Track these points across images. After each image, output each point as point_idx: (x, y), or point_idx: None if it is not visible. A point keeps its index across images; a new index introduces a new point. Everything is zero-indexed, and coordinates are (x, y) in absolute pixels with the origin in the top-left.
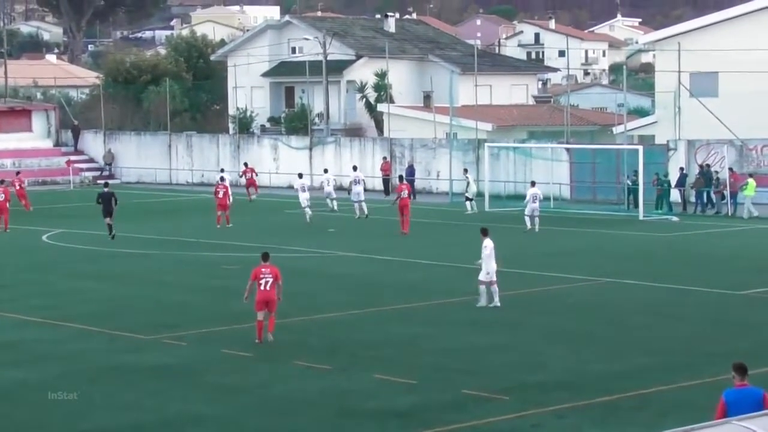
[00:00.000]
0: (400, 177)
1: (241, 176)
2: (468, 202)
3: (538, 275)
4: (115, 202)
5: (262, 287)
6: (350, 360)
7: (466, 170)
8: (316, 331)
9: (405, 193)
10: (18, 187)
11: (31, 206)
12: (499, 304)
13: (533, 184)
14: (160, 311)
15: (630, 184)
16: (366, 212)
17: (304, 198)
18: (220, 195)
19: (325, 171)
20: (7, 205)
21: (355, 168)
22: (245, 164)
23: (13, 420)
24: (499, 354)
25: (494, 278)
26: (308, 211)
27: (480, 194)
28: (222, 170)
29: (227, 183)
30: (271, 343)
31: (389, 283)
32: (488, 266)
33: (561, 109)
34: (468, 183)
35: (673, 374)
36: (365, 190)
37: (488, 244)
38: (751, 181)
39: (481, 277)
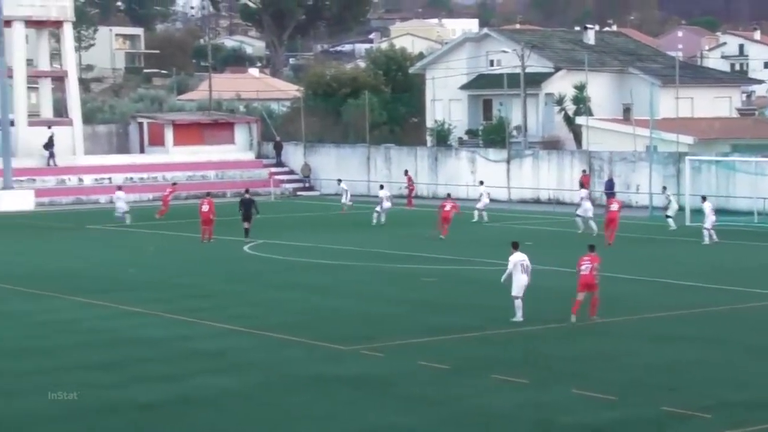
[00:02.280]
0: (609, 190)
1: (407, 186)
2: (670, 219)
3: (740, 291)
4: (255, 210)
5: (583, 271)
6: (548, 374)
7: (665, 188)
8: (513, 344)
9: (615, 207)
10: (166, 192)
11: (162, 215)
12: (520, 319)
13: (704, 198)
14: (358, 322)
15: None
16: (595, 229)
17: (385, 207)
18: (447, 208)
19: (481, 183)
20: (211, 216)
21: (582, 185)
22: (405, 172)
23: (215, 427)
24: (701, 370)
25: (519, 294)
26: (376, 215)
27: (681, 208)
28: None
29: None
30: (466, 359)
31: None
32: (516, 281)
33: (766, 121)
34: (669, 201)
35: None
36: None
37: (512, 258)
38: None
39: (512, 291)
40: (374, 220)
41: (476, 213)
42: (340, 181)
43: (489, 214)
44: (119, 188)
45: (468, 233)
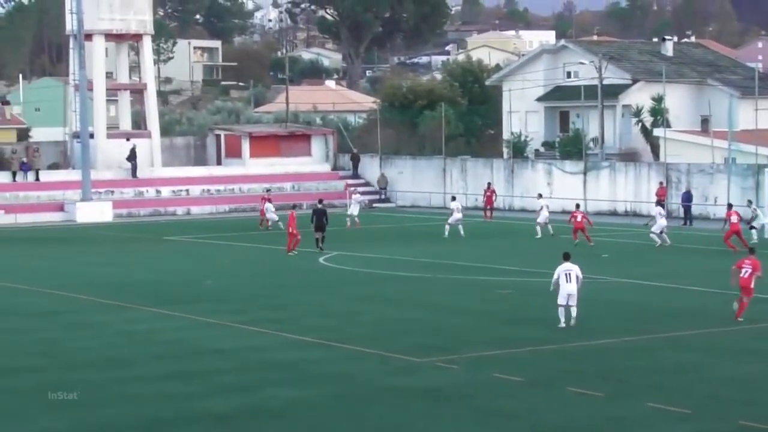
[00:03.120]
0: (729, 205)
1: (484, 196)
2: (753, 231)
3: None
4: (326, 219)
5: (742, 274)
6: (623, 387)
7: (750, 201)
8: (588, 357)
9: (735, 218)
10: (261, 204)
11: (268, 225)
12: (572, 324)
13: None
14: (432, 334)
15: None
16: (669, 242)
17: (455, 218)
18: (579, 218)
19: (540, 196)
20: (291, 229)
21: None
22: (488, 184)
23: None
24: None
25: (568, 302)
26: (448, 227)
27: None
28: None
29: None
30: (541, 372)
31: (662, 309)
32: (561, 289)
33: None
34: (757, 215)
35: None
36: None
37: (558, 268)
38: None
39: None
40: (446, 233)
41: (538, 228)
42: (354, 190)
43: (558, 227)
44: (269, 200)
45: (543, 246)
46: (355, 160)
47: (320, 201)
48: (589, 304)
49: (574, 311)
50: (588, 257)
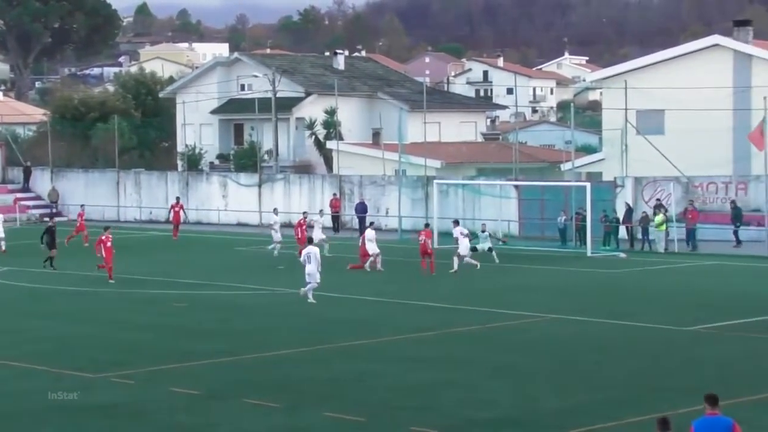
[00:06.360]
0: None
1: (169, 211)
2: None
3: (486, 312)
4: (48, 238)
5: (420, 242)
6: (299, 397)
7: (484, 224)
8: (265, 368)
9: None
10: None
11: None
12: (301, 295)
13: (457, 223)
14: (107, 349)
15: (561, 222)
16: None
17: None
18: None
19: (275, 211)
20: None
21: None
22: (177, 198)
23: None
24: (448, 390)
25: (307, 279)
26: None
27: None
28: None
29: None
30: (218, 384)
31: (338, 320)
32: (306, 268)
33: (509, 146)
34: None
35: (621, 410)
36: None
37: (305, 250)
38: (660, 216)
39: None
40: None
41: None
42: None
43: (244, 240)
44: None
45: (223, 257)
46: (27, 173)
47: (51, 218)
48: (266, 316)
49: (309, 288)
50: (264, 269)
